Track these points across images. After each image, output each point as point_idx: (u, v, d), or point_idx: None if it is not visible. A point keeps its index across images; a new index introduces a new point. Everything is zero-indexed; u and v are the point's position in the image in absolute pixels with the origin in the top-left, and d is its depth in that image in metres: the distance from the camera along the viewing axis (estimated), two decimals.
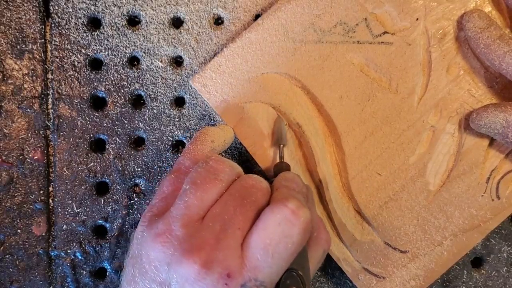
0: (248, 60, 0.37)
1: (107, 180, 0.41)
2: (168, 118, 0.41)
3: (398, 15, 0.36)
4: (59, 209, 0.41)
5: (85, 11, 0.41)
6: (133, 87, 0.41)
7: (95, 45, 0.41)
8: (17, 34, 0.41)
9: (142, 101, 0.41)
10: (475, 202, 0.37)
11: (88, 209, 0.41)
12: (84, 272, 0.41)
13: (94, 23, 0.42)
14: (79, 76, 0.41)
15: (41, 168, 0.41)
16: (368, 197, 0.37)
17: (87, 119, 0.41)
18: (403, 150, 0.37)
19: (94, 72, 0.41)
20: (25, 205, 0.41)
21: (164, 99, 0.41)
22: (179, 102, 0.42)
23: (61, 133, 0.41)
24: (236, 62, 0.37)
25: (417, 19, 0.36)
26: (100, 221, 0.41)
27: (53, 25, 0.41)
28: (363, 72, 0.36)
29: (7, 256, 0.41)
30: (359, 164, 0.37)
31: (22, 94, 0.41)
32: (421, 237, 0.37)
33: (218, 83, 0.37)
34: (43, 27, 0.41)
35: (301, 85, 0.37)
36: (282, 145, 0.37)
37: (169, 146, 0.41)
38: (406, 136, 0.37)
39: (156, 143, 0.41)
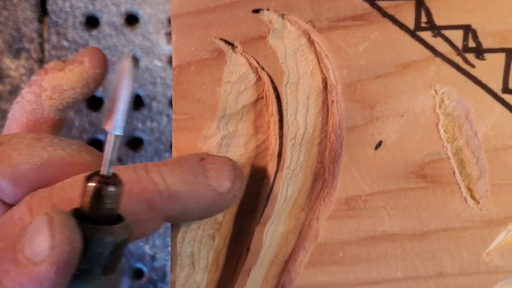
0: None
1: None
2: (167, 119, 0.41)
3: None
4: None
5: (82, 10, 0.40)
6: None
7: (93, 44, 0.41)
8: (14, 33, 0.41)
9: (140, 101, 0.41)
10: None
11: None
12: None
13: (92, 22, 0.41)
14: None
15: None
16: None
17: (85, 119, 0.41)
18: None
19: None
20: None
21: (163, 99, 0.41)
22: None
23: (58, 134, 0.41)
24: None
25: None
26: None
27: (50, 24, 0.41)
28: None
29: None
30: None
31: (19, 94, 0.41)
32: None
33: None
34: (41, 26, 0.41)
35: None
36: (116, 134, 0.18)
37: (168, 147, 0.41)
38: None
39: (154, 144, 0.41)
